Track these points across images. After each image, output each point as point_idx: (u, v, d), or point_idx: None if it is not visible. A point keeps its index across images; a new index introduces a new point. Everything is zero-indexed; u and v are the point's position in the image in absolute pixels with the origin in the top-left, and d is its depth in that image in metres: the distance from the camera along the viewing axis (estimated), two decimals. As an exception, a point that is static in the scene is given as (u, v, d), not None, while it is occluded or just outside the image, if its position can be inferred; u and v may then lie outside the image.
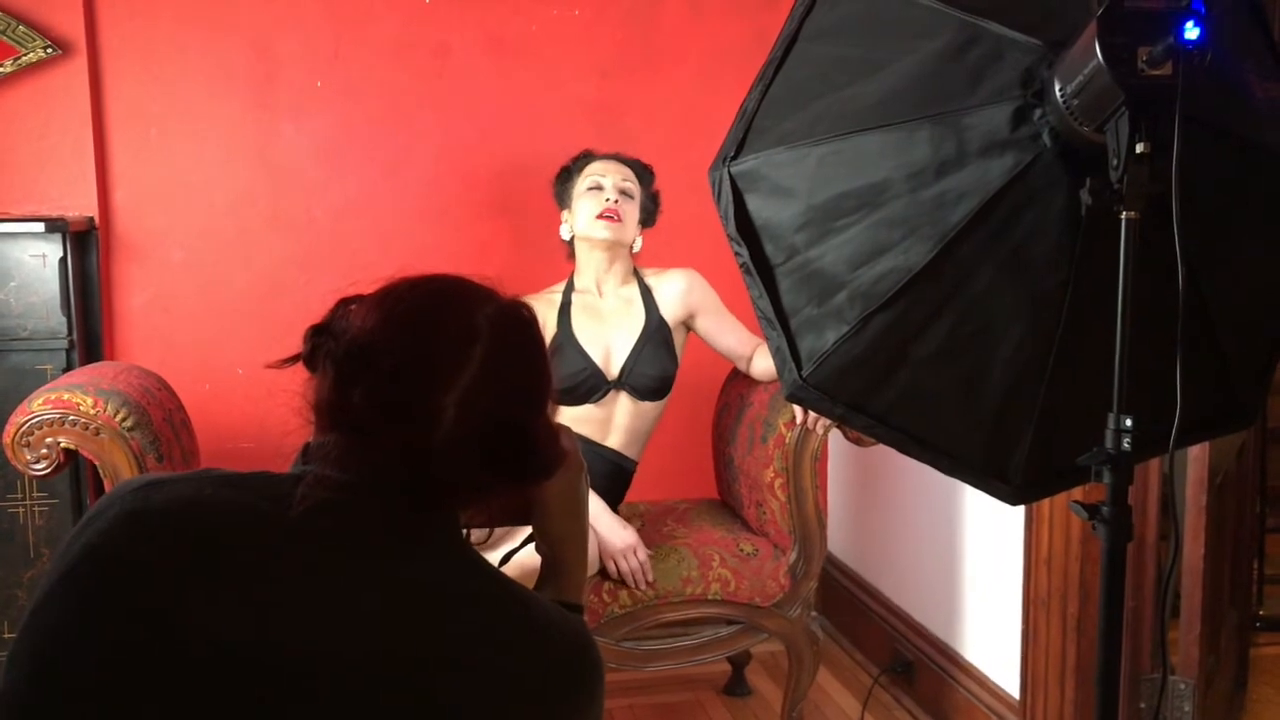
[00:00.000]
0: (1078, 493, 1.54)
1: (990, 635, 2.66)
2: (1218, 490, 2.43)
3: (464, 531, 1.09)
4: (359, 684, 0.91)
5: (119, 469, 2.16)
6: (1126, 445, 1.21)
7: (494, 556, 1.37)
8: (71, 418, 2.15)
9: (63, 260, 2.74)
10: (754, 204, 1.47)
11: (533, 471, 1.10)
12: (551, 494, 1.22)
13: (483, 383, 1.03)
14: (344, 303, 1.08)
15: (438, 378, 1.02)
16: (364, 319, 1.04)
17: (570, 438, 1.24)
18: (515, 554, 1.35)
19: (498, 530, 1.25)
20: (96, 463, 2.18)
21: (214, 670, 0.90)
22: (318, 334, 1.06)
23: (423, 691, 0.92)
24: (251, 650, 0.91)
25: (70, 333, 2.78)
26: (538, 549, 1.27)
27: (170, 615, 0.92)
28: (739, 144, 1.49)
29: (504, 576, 1.04)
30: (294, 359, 1.07)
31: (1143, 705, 2.37)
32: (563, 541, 1.25)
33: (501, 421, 1.05)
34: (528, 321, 1.12)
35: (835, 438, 2.74)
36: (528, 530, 1.26)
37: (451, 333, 1.04)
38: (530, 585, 1.26)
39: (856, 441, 2.52)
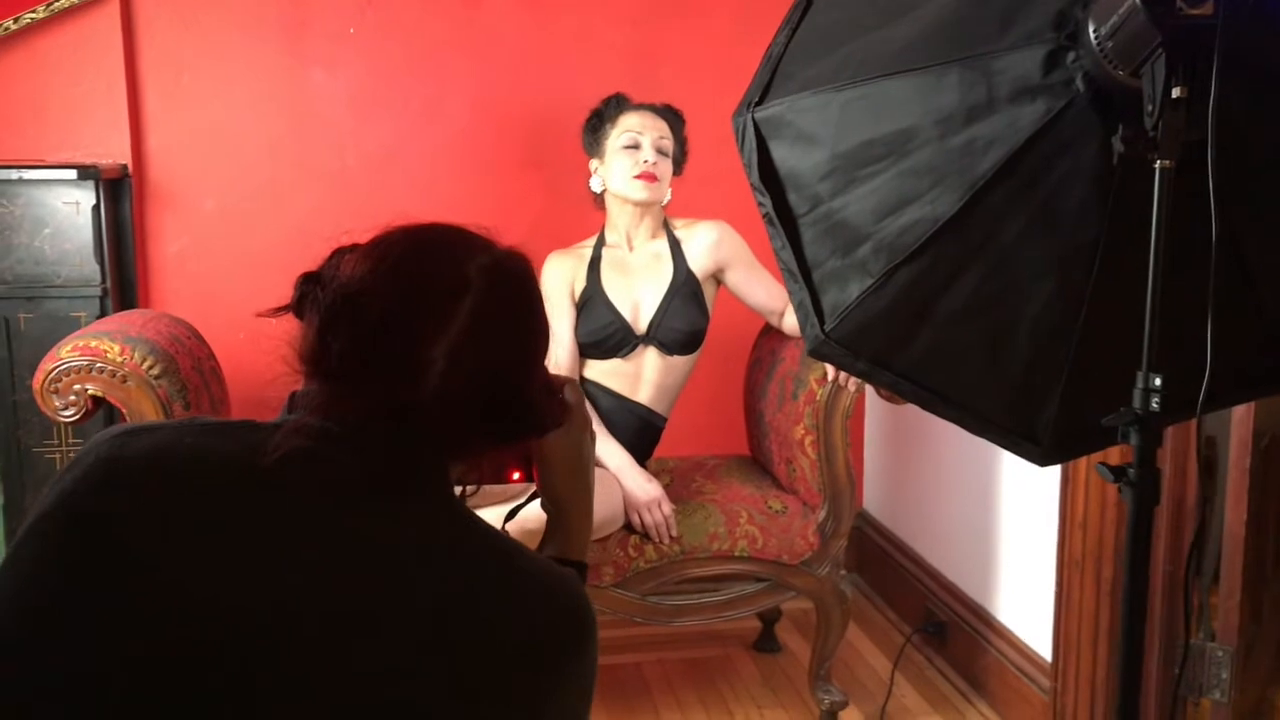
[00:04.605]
0: (1114, 454, 1.49)
1: (1024, 597, 2.62)
2: (1263, 453, 2.35)
3: (459, 488, 1.07)
4: (326, 633, 0.89)
5: (146, 416, 2.17)
6: (1155, 405, 1.16)
7: (499, 511, 1.36)
8: (99, 365, 2.16)
9: (95, 208, 2.74)
10: (778, 152, 1.42)
11: (524, 429, 1.08)
12: (554, 451, 1.20)
13: (472, 336, 1.00)
14: (340, 251, 1.06)
15: (425, 329, 0.99)
16: (354, 267, 1.02)
17: (576, 391, 1.21)
18: (520, 510, 1.32)
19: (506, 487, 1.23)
20: (124, 410, 2.19)
21: (182, 617, 0.88)
22: (307, 281, 1.04)
23: (397, 642, 0.90)
24: (220, 597, 0.89)
25: (104, 280, 2.78)
26: (542, 506, 1.25)
27: (138, 561, 0.91)
28: (764, 89, 1.44)
29: (491, 530, 1.02)
30: (284, 308, 1.05)
31: (1178, 671, 2.32)
32: (566, 498, 1.23)
33: (492, 376, 1.02)
34: (523, 274, 1.08)
35: (873, 395, 2.70)
36: (533, 486, 1.24)
37: (441, 283, 1.01)
38: (535, 541, 1.25)
39: (889, 399, 2.48)
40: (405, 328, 0.99)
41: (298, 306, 1.04)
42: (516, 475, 1.22)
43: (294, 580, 0.91)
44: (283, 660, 0.88)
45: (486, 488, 1.14)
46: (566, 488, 1.22)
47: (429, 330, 0.99)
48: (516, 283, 1.07)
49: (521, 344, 1.07)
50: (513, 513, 1.31)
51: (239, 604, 0.89)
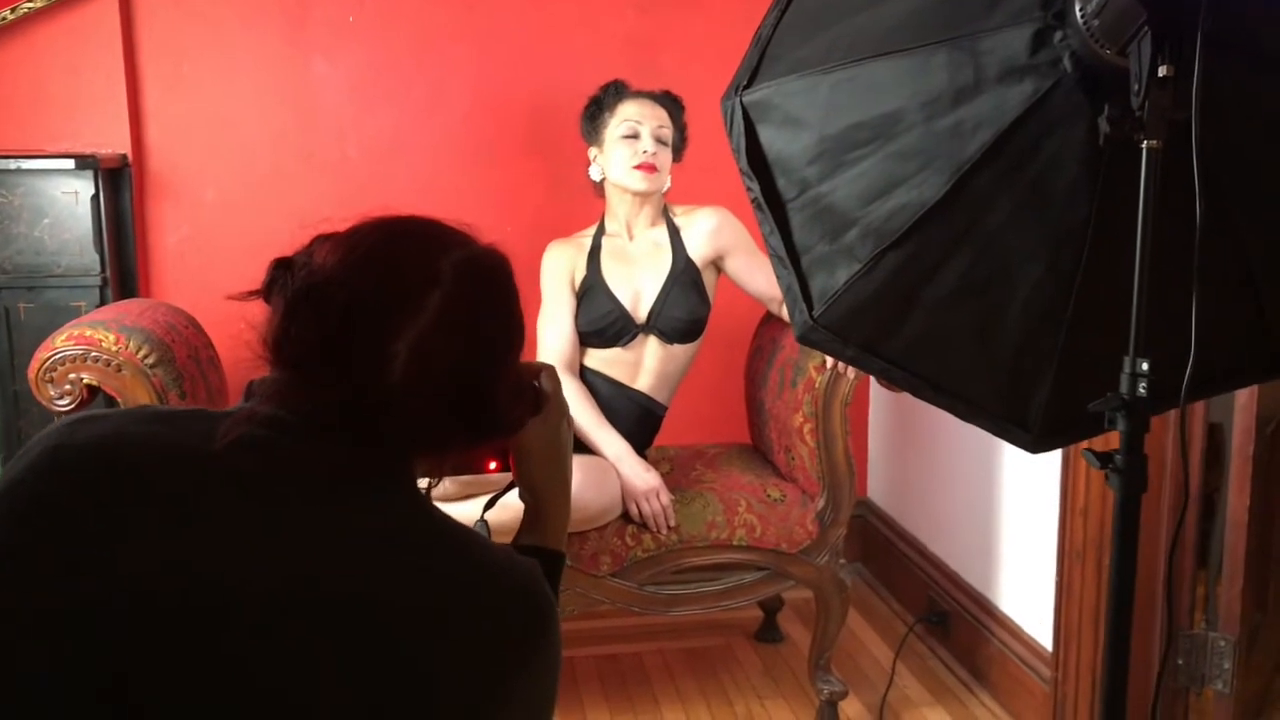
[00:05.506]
0: (1114, 440, 1.47)
1: (1025, 587, 2.60)
2: (1268, 440, 2.33)
3: (425, 480, 1.05)
4: (269, 621, 0.87)
5: (141, 405, 2.17)
6: (1142, 390, 1.14)
7: (479, 502, 1.35)
8: (93, 354, 2.15)
9: (94, 198, 2.73)
10: (766, 136, 1.41)
11: (490, 428, 1.06)
12: (531, 440, 1.18)
13: (438, 331, 0.98)
14: (319, 238, 1.04)
15: (390, 321, 0.97)
16: (326, 256, 1.00)
17: (553, 379, 1.19)
18: (499, 499, 1.31)
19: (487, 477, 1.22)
20: (119, 399, 2.18)
21: (126, 603, 0.87)
22: (278, 267, 1.02)
23: (345, 632, 0.88)
24: (164, 584, 0.88)
25: (103, 270, 2.77)
26: (520, 496, 1.23)
27: (83, 549, 0.89)
28: (752, 72, 1.43)
29: (447, 521, 1.00)
30: (254, 292, 1.04)
31: (1181, 661, 2.30)
32: (544, 488, 1.21)
33: (457, 373, 1.00)
34: (498, 271, 1.06)
35: (876, 384, 2.67)
36: (510, 476, 1.23)
37: (410, 276, 1.00)
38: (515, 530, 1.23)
39: (886, 385, 2.45)
40: (369, 319, 0.98)
41: (266, 291, 1.03)
42: (493, 465, 1.20)
43: (239, 568, 0.89)
44: (220, 646, 0.86)
45: (473, 478, 1.13)
46: (543, 476, 1.21)
47: (394, 322, 0.97)
48: (490, 280, 1.05)
49: (491, 342, 1.05)
50: (492, 501, 1.30)
51: (181, 589, 0.88)
